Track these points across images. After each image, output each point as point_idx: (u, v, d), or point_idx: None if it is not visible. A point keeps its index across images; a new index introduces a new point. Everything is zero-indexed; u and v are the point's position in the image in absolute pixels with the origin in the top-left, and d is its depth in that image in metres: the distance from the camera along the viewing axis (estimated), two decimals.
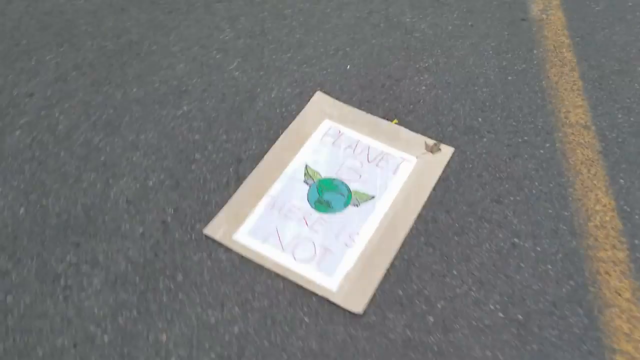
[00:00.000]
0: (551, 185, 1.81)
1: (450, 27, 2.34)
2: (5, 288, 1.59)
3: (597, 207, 1.75)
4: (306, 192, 1.82)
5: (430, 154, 1.90)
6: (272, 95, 2.10)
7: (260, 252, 1.67)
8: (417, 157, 1.89)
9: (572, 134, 1.94)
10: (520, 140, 1.93)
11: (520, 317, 1.53)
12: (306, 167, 1.88)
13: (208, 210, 1.78)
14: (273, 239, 1.70)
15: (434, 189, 1.81)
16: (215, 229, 1.72)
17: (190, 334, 1.50)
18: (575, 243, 1.67)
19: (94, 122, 2.02)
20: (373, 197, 1.79)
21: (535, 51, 2.23)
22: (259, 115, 2.04)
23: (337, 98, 2.09)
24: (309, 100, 2.08)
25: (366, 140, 1.95)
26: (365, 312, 1.54)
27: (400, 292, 1.58)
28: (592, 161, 1.86)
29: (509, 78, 2.13)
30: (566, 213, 1.74)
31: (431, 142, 1.93)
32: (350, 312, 1.54)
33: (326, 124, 2.00)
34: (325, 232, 1.72)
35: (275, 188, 1.82)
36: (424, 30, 2.33)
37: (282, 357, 1.46)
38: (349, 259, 1.65)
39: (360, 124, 2.00)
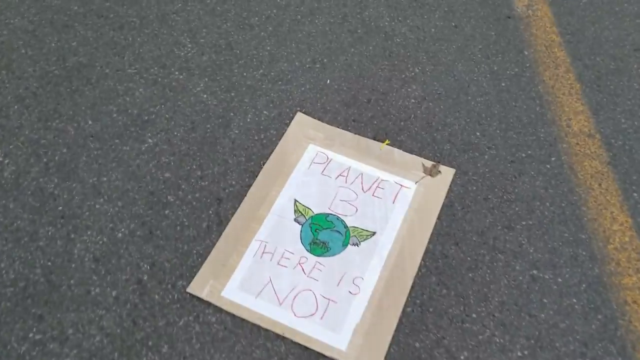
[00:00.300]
0: (563, 205, 1.67)
1: (433, 30, 2.16)
2: None
3: (615, 227, 1.62)
4: (299, 232, 1.62)
5: (430, 177, 1.73)
6: (248, 120, 1.88)
7: (254, 309, 1.47)
8: (416, 182, 1.72)
9: (577, 144, 1.81)
10: (523, 155, 1.79)
11: None
12: (295, 202, 1.68)
13: (189, 263, 1.56)
14: (268, 293, 1.50)
15: (439, 217, 1.65)
16: (200, 286, 1.51)
17: None
18: (598, 270, 1.54)
19: (46, 164, 1.75)
20: (374, 234, 1.61)
21: (525, 52, 2.08)
22: (235, 144, 1.82)
23: (320, 119, 1.88)
24: (290, 123, 1.87)
25: (358, 165, 1.76)
26: None
27: (418, 345, 1.42)
28: (602, 174, 1.74)
29: (502, 84, 1.98)
30: (583, 236, 1.61)
31: (429, 163, 1.76)
32: None
33: (312, 150, 1.80)
34: (325, 280, 1.53)
35: (264, 230, 1.62)
36: (405, 35, 2.14)
37: None
38: (356, 310, 1.47)
39: (349, 148, 1.80)
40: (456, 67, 2.03)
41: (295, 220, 1.64)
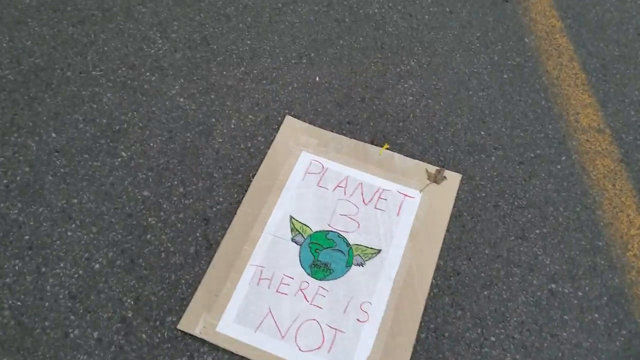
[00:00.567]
0: (578, 209, 1.57)
1: (426, 17, 2.00)
2: None
3: (632, 232, 1.53)
4: (297, 253, 1.47)
5: (435, 184, 1.60)
6: (232, 126, 1.70)
7: (254, 344, 1.34)
8: (420, 191, 1.58)
9: (587, 140, 1.70)
10: (532, 155, 1.67)
11: None
12: (291, 219, 1.53)
13: (178, 294, 1.40)
14: (268, 325, 1.36)
15: (448, 229, 1.52)
16: (192, 322, 1.36)
17: None
18: (618, 280, 1.45)
19: (6, 187, 1.55)
20: (379, 251, 1.48)
21: (526, 39, 1.94)
22: (219, 154, 1.64)
23: (312, 122, 1.72)
24: (278, 128, 1.70)
25: (356, 174, 1.61)
26: None
27: None
28: (615, 173, 1.64)
29: (505, 76, 1.84)
30: (600, 243, 1.51)
31: (433, 169, 1.63)
32: None
33: (305, 158, 1.64)
34: (330, 307, 1.40)
35: (258, 253, 1.47)
36: (397, 23, 1.97)
37: None
38: (366, 340, 1.35)
39: (345, 154, 1.65)
40: (454, 59, 1.88)
41: (293, 239, 1.49)
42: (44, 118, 1.69)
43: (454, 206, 1.56)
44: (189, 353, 1.32)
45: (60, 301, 1.38)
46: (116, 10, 1.96)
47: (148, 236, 1.49)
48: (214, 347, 1.33)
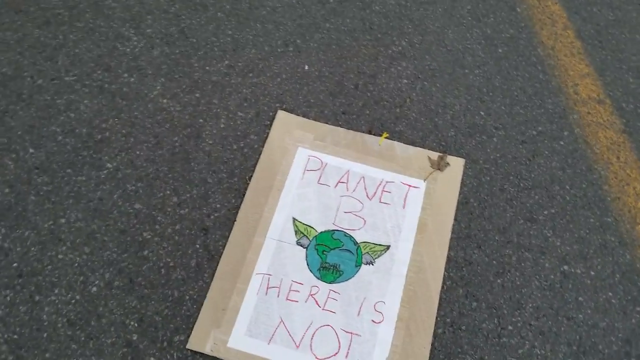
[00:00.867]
0: (584, 185, 1.53)
1: None
2: None
3: (639, 204, 1.51)
4: (304, 257, 1.42)
5: (438, 171, 1.55)
6: (221, 126, 1.62)
7: (269, 357, 1.29)
8: (424, 180, 1.53)
9: (588, 113, 1.66)
10: (534, 132, 1.62)
11: None
12: (294, 221, 1.47)
13: (184, 312, 1.35)
14: (281, 335, 1.32)
15: (455, 218, 1.48)
16: (201, 340, 1.31)
17: None
18: (629, 256, 1.43)
19: None
20: (388, 248, 1.43)
21: (518, 9, 1.87)
22: (211, 158, 1.56)
23: (305, 115, 1.64)
24: (271, 124, 1.62)
25: (357, 167, 1.55)
26: None
27: None
28: (618, 144, 1.60)
29: (500, 51, 1.78)
30: (609, 219, 1.49)
31: (435, 155, 1.57)
32: None
33: (302, 155, 1.57)
34: (343, 310, 1.35)
35: (264, 261, 1.41)
36: (384, 1, 1.88)
37: None
38: (383, 341, 1.32)
39: (343, 147, 1.58)
40: (446, 35, 1.81)
41: (298, 243, 1.44)
42: (19, 132, 1.58)
43: (460, 193, 1.52)
44: None
45: (59, 330, 1.31)
46: (83, 7, 1.83)
47: (145, 252, 1.42)
48: None
